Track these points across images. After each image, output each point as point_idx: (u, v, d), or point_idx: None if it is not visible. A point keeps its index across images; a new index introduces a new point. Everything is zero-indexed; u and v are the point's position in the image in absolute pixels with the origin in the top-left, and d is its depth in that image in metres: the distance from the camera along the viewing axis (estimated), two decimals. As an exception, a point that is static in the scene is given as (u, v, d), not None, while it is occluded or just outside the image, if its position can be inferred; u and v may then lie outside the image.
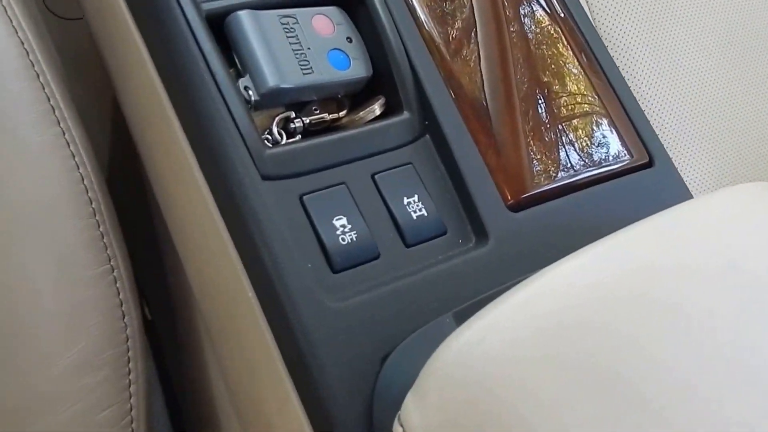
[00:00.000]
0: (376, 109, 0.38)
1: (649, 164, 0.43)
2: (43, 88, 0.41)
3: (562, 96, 0.43)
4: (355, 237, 0.34)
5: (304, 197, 0.34)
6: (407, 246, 0.35)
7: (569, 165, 0.40)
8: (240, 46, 0.36)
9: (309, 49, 0.38)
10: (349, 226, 0.34)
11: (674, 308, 0.24)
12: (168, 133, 0.37)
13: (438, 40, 0.40)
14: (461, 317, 0.30)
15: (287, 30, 0.38)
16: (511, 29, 0.43)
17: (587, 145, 0.42)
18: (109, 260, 0.41)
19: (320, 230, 0.33)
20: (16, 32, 0.42)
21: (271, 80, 0.36)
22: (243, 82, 0.36)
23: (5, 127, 0.40)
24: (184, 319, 0.49)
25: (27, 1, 0.54)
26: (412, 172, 0.37)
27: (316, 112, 0.39)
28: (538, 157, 0.40)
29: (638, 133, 0.44)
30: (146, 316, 0.46)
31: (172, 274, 0.49)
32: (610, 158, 0.42)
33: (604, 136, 0.43)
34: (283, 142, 0.37)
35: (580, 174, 0.40)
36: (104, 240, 0.42)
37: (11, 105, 0.41)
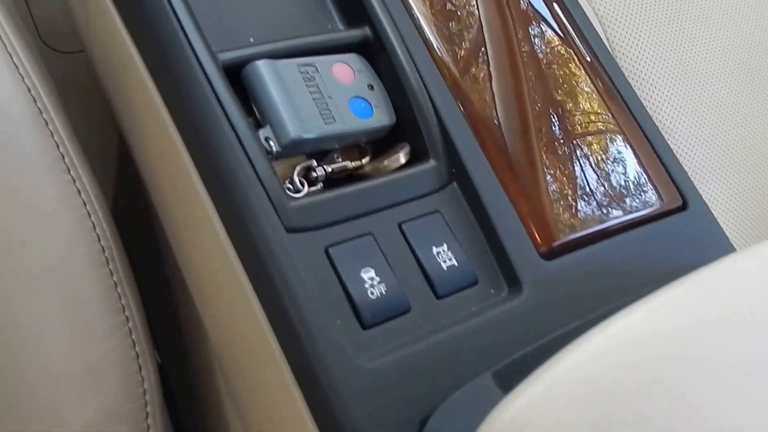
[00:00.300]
0: (401, 157, 0.37)
1: (683, 207, 0.42)
2: (52, 135, 0.41)
3: (587, 135, 0.42)
4: (385, 290, 0.32)
5: (330, 249, 0.32)
6: (438, 297, 0.33)
7: (602, 209, 0.39)
8: (259, 97, 0.35)
9: (330, 97, 0.37)
10: (378, 279, 0.32)
11: (731, 373, 0.23)
12: (186, 184, 0.36)
13: (449, 63, 0.39)
14: (501, 377, 0.28)
15: (307, 79, 0.37)
16: (523, 50, 0.42)
17: (619, 185, 0.40)
18: (124, 310, 0.40)
19: (348, 284, 0.32)
20: (23, 79, 0.41)
21: (293, 131, 0.35)
22: (263, 133, 0.35)
23: (16, 176, 0.39)
24: (199, 366, 0.47)
25: (28, 41, 0.55)
26: (440, 221, 0.35)
27: (338, 160, 0.38)
28: (569, 201, 0.38)
29: (670, 175, 0.43)
30: (156, 360, 0.44)
31: (186, 320, 0.47)
32: (643, 202, 0.41)
33: (635, 178, 0.41)
34: (305, 191, 0.36)
35: (613, 219, 0.39)
36: (118, 289, 0.40)
37: (21, 153, 0.40)
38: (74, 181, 0.40)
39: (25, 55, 0.42)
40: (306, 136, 0.35)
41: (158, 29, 0.36)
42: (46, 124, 0.40)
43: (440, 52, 0.40)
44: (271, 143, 0.35)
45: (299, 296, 0.31)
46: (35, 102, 0.40)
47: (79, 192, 0.40)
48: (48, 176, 0.39)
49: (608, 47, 0.58)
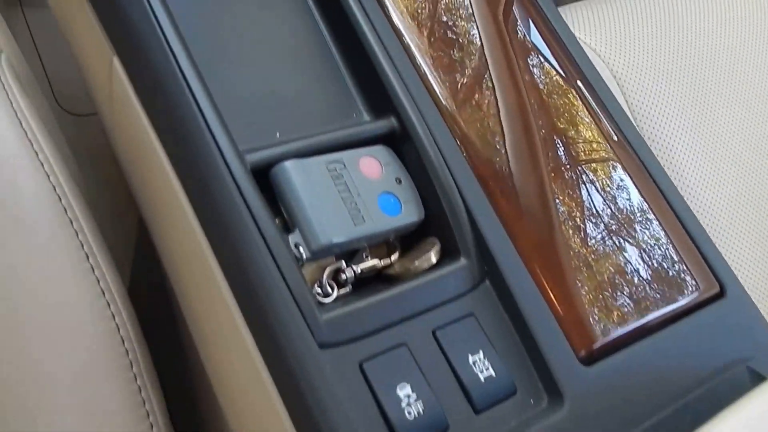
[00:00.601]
0: (432, 257, 0.36)
1: (721, 294, 0.40)
2: (77, 235, 0.40)
3: (631, 230, 0.41)
4: (422, 408, 0.31)
5: (365, 365, 0.31)
6: (476, 412, 0.32)
7: (638, 303, 0.38)
8: (288, 200, 0.35)
9: (358, 195, 0.36)
10: (414, 395, 0.31)
11: None
12: (213, 291, 0.35)
13: (479, 154, 0.39)
14: None
15: (335, 177, 0.36)
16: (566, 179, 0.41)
17: (654, 275, 0.39)
18: (148, 416, 0.39)
19: (384, 404, 0.31)
20: (48, 177, 0.41)
21: (323, 237, 0.34)
22: (293, 238, 0.34)
23: (40, 278, 0.38)
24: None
25: (50, 121, 0.54)
26: (475, 325, 0.34)
27: (366, 258, 0.37)
28: (605, 296, 0.37)
29: (705, 258, 0.42)
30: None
31: (208, 415, 0.46)
32: (679, 291, 0.39)
33: (670, 264, 0.40)
34: (334, 295, 0.35)
35: (650, 314, 0.38)
36: (142, 394, 0.39)
37: (46, 254, 0.39)
38: (98, 281, 0.39)
39: (51, 152, 0.41)
40: (336, 240, 0.34)
41: (185, 129, 0.35)
42: (71, 223, 0.40)
43: (468, 142, 0.39)
44: (301, 249, 0.34)
45: (334, 417, 0.30)
46: (60, 201, 0.40)
47: (103, 292, 0.39)
48: (72, 278, 0.39)
49: (631, 117, 0.57)
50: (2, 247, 0.38)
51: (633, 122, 0.56)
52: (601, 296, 0.37)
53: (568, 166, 0.41)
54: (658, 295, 0.38)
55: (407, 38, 0.41)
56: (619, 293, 0.37)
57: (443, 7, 0.44)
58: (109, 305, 0.39)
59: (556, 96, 0.43)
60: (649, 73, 0.62)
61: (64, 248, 0.39)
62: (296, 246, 0.34)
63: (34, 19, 0.89)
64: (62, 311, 0.38)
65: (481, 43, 0.42)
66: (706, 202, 0.60)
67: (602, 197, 0.41)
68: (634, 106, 0.62)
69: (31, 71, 0.68)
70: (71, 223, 0.40)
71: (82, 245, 0.40)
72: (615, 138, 0.44)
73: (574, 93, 0.43)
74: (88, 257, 0.40)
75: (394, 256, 0.37)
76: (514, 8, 0.45)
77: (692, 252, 0.42)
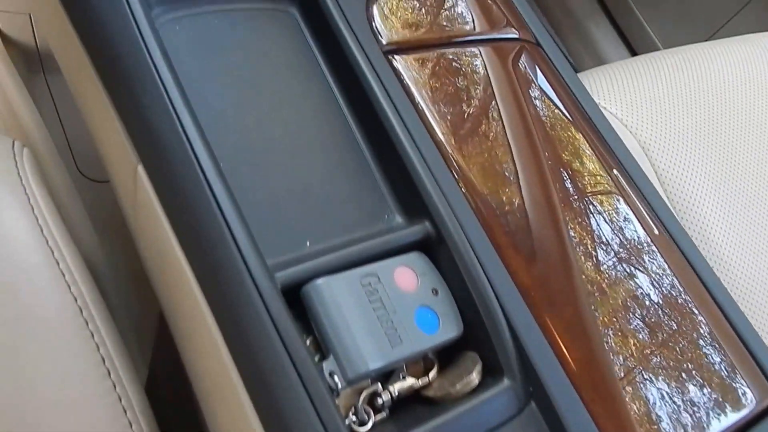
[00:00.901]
0: (475, 379, 0.34)
1: (778, 405, 0.38)
2: (98, 349, 0.39)
3: (669, 345, 0.38)
4: None
5: None
6: None
7: (694, 426, 0.35)
8: (321, 323, 0.33)
9: (395, 312, 0.35)
10: None
11: None
12: (242, 423, 0.33)
13: (518, 262, 0.37)
14: None
15: (369, 293, 0.35)
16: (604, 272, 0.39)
17: (708, 392, 0.37)
18: None
19: None
20: (70, 288, 0.39)
21: (361, 365, 0.32)
22: (327, 366, 0.32)
23: (59, 395, 0.37)
24: None
25: (72, 196, 0.53)
26: (523, 459, 0.32)
27: (403, 378, 0.35)
28: (659, 421, 0.35)
29: (758, 363, 0.39)
30: None
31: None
32: (735, 405, 0.37)
33: (723, 375, 0.38)
34: (371, 423, 0.33)
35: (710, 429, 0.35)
36: None
37: (66, 370, 0.38)
38: (120, 399, 0.38)
39: (72, 258, 0.40)
40: (373, 366, 0.33)
41: (211, 244, 0.34)
42: (92, 336, 0.38)
43: (507, 249, 0.38)
44: (336, 378, 0.32)
45: None
46: (81, 313, 0.38)
47: (125, 411, 0.37)
48: (92, 397, 0.37)
49: (660, 189, 0.55)
50: (23, 364, 0.37)
51: (664, 195, 0.54)
52: (653, 419, 0.34)
53: (611, 281, 0.39)
54: (712, 416, 0.36)
55: (439, 135, 0.40)
56: (673, 412, 0.35)
57: (473, 97, 0.42)
58: (131, 425, 0.37)
59: (598, 200, 0.42)
60: (677, 140, 0.60)
61: (85, 365, 0.37)
62: (331, 375, 0.32)
63: (57, 84, 0.89)
64: (76, 416, 0.36)
65: (511, 152, 0.41)
66: (740, 276, 0.57)
67: (648, 304, 0.39)
68: (664, 177, 0.60)
69: (53, 141, 0.67)
70: (92, 336, 0.38)
71: (104, 360, 0.38)
72: (656, 231, 0.42)
73: (622, 199, 0.42)
74: (109, 373, 0.38)
75: (432, 373, 0.35)
76: (543, 98, 0.44)
77: (743, 356, 0.39)
